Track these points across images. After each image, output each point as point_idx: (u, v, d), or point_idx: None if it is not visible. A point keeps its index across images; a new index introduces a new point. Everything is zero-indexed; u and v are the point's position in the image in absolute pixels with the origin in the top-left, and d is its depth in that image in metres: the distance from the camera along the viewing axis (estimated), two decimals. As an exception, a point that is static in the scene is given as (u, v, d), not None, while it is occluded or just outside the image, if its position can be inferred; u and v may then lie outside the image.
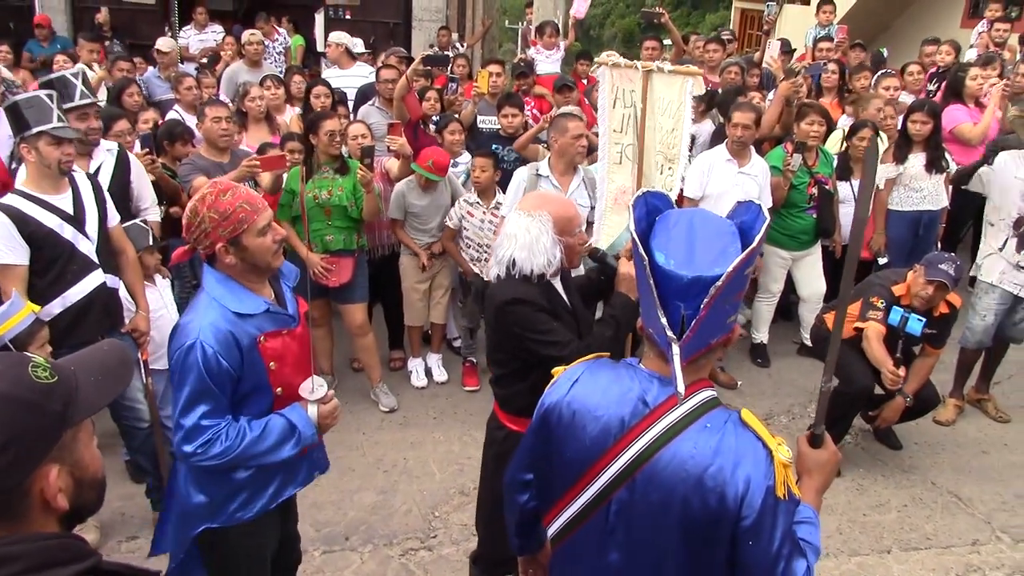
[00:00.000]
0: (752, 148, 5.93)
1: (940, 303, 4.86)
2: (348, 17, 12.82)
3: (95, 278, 3.94)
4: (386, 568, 4.15)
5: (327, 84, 6.86)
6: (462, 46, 11.98)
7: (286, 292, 2.90)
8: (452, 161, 6.00)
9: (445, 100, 7.18)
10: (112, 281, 4.07)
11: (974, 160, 6.75)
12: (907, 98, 7.47)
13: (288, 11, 12.66)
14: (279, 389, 2.74)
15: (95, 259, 3.94)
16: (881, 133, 6.58)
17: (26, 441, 1.30)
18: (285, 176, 5.32)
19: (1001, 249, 5.50)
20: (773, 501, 1.78)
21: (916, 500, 4.91)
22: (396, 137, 5.69)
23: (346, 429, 5.30)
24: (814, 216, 6.23)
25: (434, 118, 6.75)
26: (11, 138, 4.43)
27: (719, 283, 1.75)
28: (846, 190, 6.43)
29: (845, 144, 6.63)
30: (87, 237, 3.91)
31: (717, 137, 6.53)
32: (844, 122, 7.25)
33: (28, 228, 3.70)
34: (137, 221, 4.60)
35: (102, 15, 10.82)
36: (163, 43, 8.58)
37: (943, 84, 7.92)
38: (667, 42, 10.31)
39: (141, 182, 4.97)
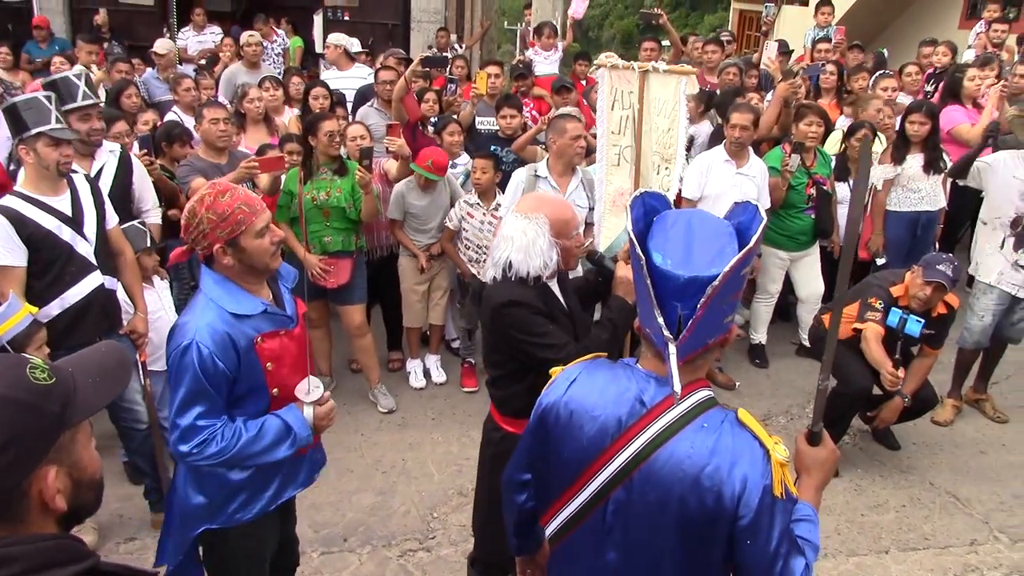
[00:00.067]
0: (750, 149, 5.94)
1: (938, 304, 4.87)
2: (347, 18, 12.81)
3: (93, 280, 3.94)
4: (384, 569, 4.15)
5: (325, 85, 6.87)
6: (461, 47, 11.99)
7: (284, 293, 2.91)
8: (450, 162, 6.00)
9: (444, 101, 7.18)
10: (110, 283, 4.07)
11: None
12: (905, 99, 7.48)
13: (286, 12, 12.67)
14: (276, 390, 2.75)
15: (93, 261, 3.94)
16: (879, 134, 6.59)
17: (24, 442, 1.30)
18: (283, 177, 5.33)
19: (1001, 248, 5.50)
20: (770, 500, 1.78)
21: (914, 500, 4.91)
22: (395, 138, 5.69)
23: (344, 430, 5.31)
24: (812, 217, 6.23)
25: (432, 119, 6.75)
26: (9, 139, 4.43)
27: (715, 283, 1.75)
28: (844, 191, 6.44)
29: (843, 145, 6.63)
30: (85, 239, 3.91)
31: (715, 138, 6.54)
32: (842, 123, 7.25)
33: (26, 230, 3.70)
34: (135, 223, 4.60)
35: (100, 16, 10.82)
36: (161, 45, 8.58)
37: (941, 85, 7.93)
38: (665, 43, 10.32)
39: (143, 184, 4.98)
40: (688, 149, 6.54)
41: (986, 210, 5.68)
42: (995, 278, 5.53)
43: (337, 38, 8.31)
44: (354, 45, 8.59)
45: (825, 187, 6.23)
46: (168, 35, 10.72)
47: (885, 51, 10.05)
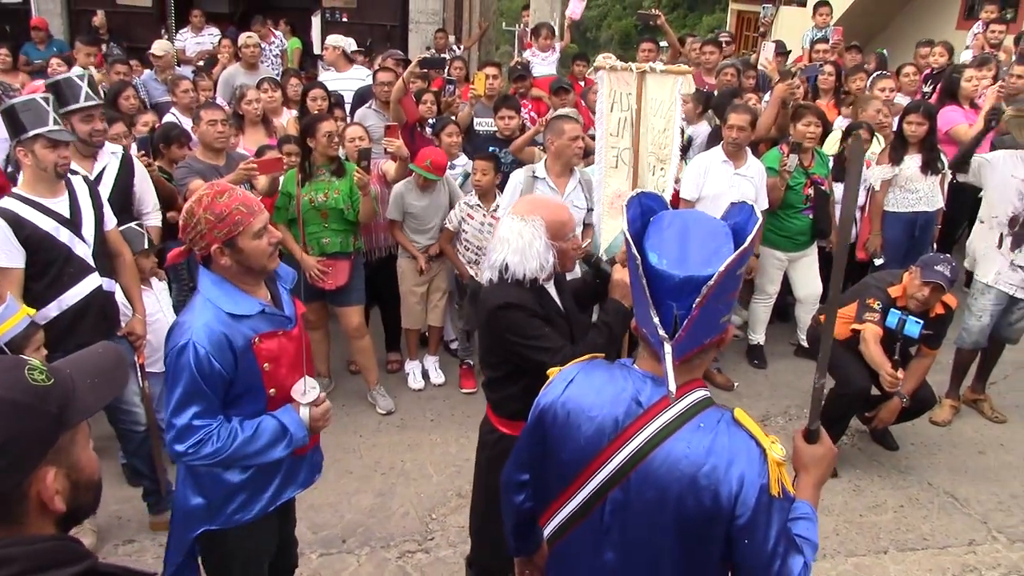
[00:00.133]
0: (748, 150, 5.94)
1: (936, 304, 4.87)
2: (345, 20, 12.82)
3: (91, 281, 3.94)
4: (383, 570, 4.15)
5: (324, 87, 6.87)
6: (459, 48, 11.99)
7: (283, 294, 2.91)
8: (449, 163, 6.00)
9: (442, 102, 7.18)
10: (108, 284, 4.07)
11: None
12: (902, 100, 7.48)
13: (284, 14, 12.66)
14: (273, 390, 2.75)
15: (91, 263, 3.94)
16: (877, 135, 6.60)
17: (22, 443, 1.30)
18: (281, 179, 5.33)
19: (999, 247, 5.50)
20: (767, 499, 1.79)
21: (913, 501, 4.92)
22: (393, 139, 5.69)
23: (343, 431, 5.31)
24: (810, 217, 6.24)
25: (430, 121, 6.76)
26: (7, 141, 4.43)
27: (711, 283, 1.76)
28: (842, 191, 6.43)
29: (841, 145, 6.64)
30: (83, 240, 3.91)
31: (713, 139, 6.54)
32: (840, 123, 7.26)
33: (24, 231, 3.70)
34: (132, 224, 4.60)
35: (98, 18, 10.81)
36: (159, 46, 8.58)
37: (938, 86, 7.94)
38: (664, 44, 10.33)
39: (144, 186, 4.99)
40: (687, 150, 6.56)
41: (985, 208, 5.69)
42: (993, 278, 5.54)
43: (335, 39, 8.31)
44: (349, 44, 8.58)
45: (823, 187, 6.24)
46: (166, 36, 10.71)
47: (885, 52, 10.06)
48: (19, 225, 3.69)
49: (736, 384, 6.23)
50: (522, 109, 7.05)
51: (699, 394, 1.92)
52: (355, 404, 5.76)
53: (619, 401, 1.93)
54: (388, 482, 4.88)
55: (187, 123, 6.29)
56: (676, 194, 5.69)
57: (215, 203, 2.59)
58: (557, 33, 10.30)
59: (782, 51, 9.36)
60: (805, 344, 6.45)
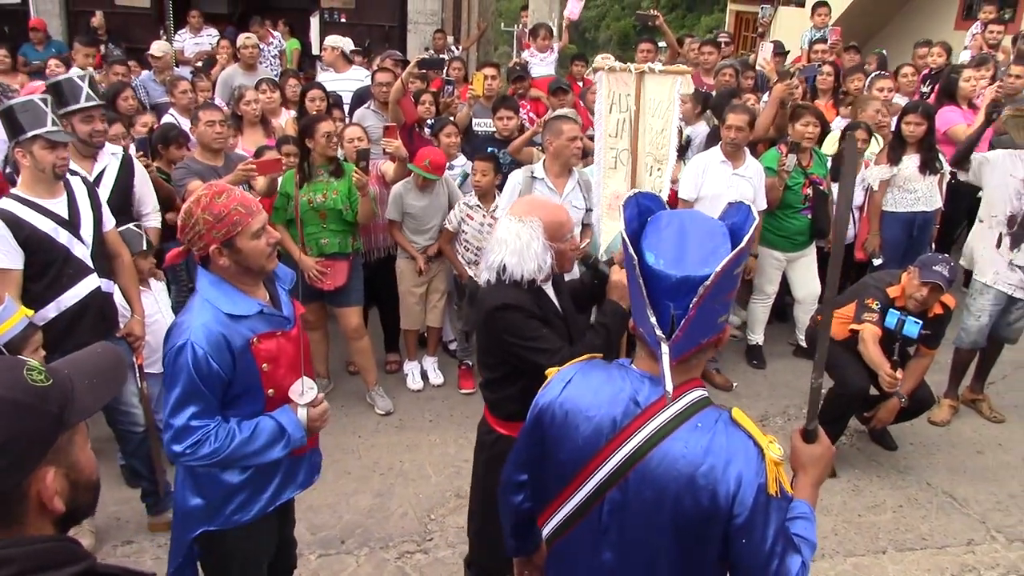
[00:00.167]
0: (746, 150, 5.95)
1: (934, 304, 4.88)
2: (343, 20, 12.83)
3: (90, 282, 3.94)
4: (382, 571, 4.15)
5: (322, 87, 6.86)
6: (457, 49, 11.99)
7: (281, 294, 2.91)
8: (447, 164, 6.00)
9: (441, 103, 7.18)
10: (107, 285, 4.07)
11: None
12: (900, 100, 7.49)
13: (283, 14, 12.67)
14: (271, 391, 2.75)
15: (90, 263, 3.94)
16: (876, 135, 6.61)
17: (22, 443, 1.31)
18: (280, 179, 5.33)
19: (997, 247, 5.51)
20: (765, 499, 1.79)
21: (911, 500, 4.92)
22: (392, 140, 5.69)
23: (342, 432, 5.31)
24: (809, 217, 6.24)
25: (429, 121, 6.76)
26: (5, 142, 4.43)
27: (708, 283, 1.76)
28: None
29: (840, 146, 6.64)
30: (82, 241, 3.91)
31: (712, 139, 6.55)
32: (839, 124, 7.27)
33: (23, 232, 3.70)
34: (130, 225, 4.60)
35: (97, 19, 10.81)
36: (157, 47, 8.58)
37: (936, 86, 7.94)
38: (662, 44, 10.34)
39: (144, 188, 4.98)
40: (685, 150, 6.57)
41: (984, 208, 5.69)
42: (991, 278, 5.54)
43: (334, 40, 8.31)
44: (347, 45, 8.58)
45: (822, 187, 6.24)
46: (164, 37, 10.70)
47: (884, 52, 10.07)
48: (18, 226, 3.69)
49: (735, 384, 6.24)
50: (521, 110, 7.05)
51: (697, 394, 1.92)
52: (354, 405, 5.76)
53: (617, 401, 1.93)
54: (387, 483, 4.88)
55: (185, 124, 6.29)
56: (673, 194, 5.69)
57: (213, 203, 2.59)
58: (555, 33, 10.30)
59: (780, 51, 9.37)
60: (804, 344, 6.45)
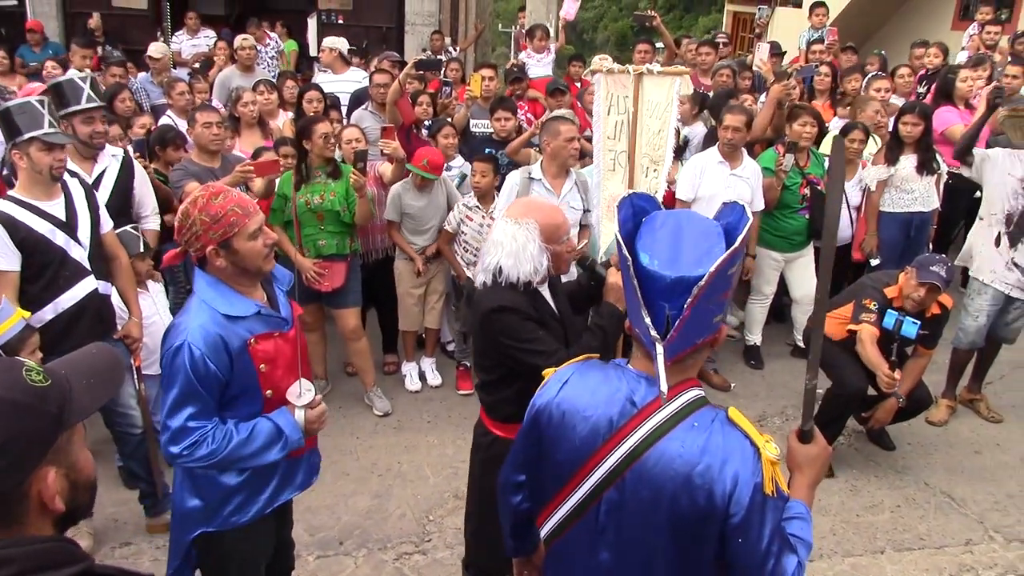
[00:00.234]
0: (744, 150, 5.95)
1: (932, 304, 4.88)
2: (341, 22, 12.81)
3: (87, 284, 3.93)
4: (380, 572, 4.15)
5: (319, 89, 6.86)
6: (455, 50, 12.00)
7: (279, 295, 2.91)
8: (445, 165, 6.00)
9: (439, 104, 7.18)
10: (104, 287, 4.06)
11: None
12: (897, 100, 7.50)
13: (280, 16, 12.67)
14: (269, 392, 2.75)
15: (87, 265, 3.93)
16: (873, 135, 6.61)
17: (23, 443, 1.31)
18: (277, 181, 5.32)
19: (997, 245, 5.51)
20: (761, 498, 1.79)
21: (909, 500, 4.92)
22: (390, 141, 5.69)
23: (340, 433, 5.31)
24: (806, 217, 6.25)
25: (426, 123, 6.76)
26: (2, 144, 4.43)
27: (702, 283, 1.76)
28: (838, 192, 6.43)
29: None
30: (79, 243, 3.90)
31: (709, 140, 6.56)
32: (836, 124, 7.27)
33: (19, 234, 3.69)
34: (128, 227, 4.60)
35: (94, 20, 10.80)
36: (155, 49, 8.57)
37: (933, 86, 7.95)
38: (659, 45, 10.35)
39: (143, 189, 4.99)
40: (683, 151, 6.57)
41: (984, 206, 5.68)
42: (988, 276, 5.54)
43: (332, 41, 8.30)
44: (343, 45, 8.56)
45: (819, 187, 6.24)
46: (161, 39, 10.70)
47: (884, 53, 10.09)
48: (14, 228, 3.68)
49: (733, 385, 6.24)
50: (518, 111, 7.05)
51: (693, 393, 1.92)
52: (352, 406, 5.76)
53: (614, 401, 1.93)
54: (385, 484, 4.88)
55: (183, 125, 6.28)
56: (670, 195, 5.69)
57: (210, 204, 2.59)
58: (552, 34, 10.30)
59: (777, 52, 9.38)
60: (801, 344, 6.45)
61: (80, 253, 3.90)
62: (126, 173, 4.82)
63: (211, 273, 2.67)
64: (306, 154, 5.33)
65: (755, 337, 6.66)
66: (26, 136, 3.69)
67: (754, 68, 8.43)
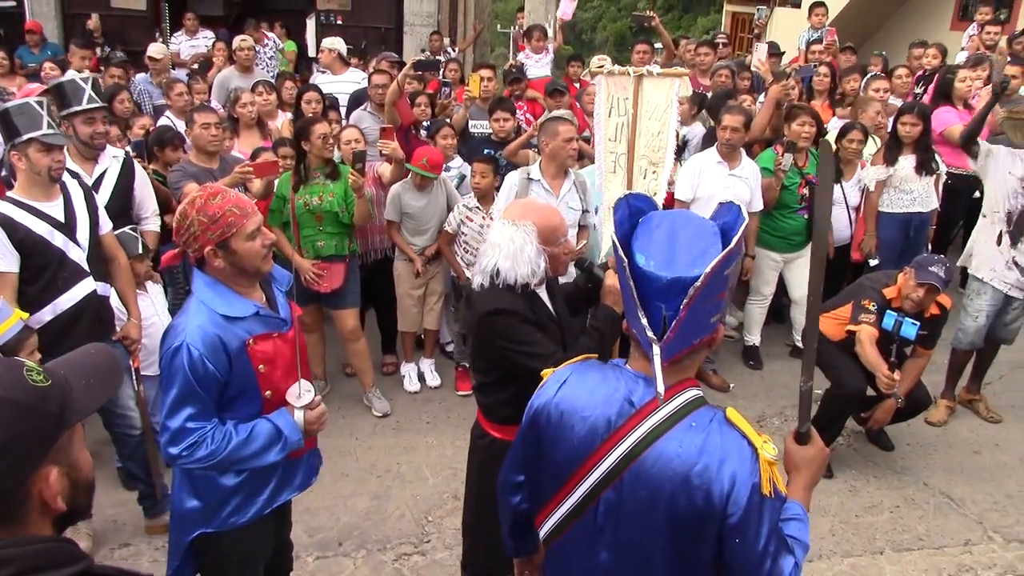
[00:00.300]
0: (742, 151, 5.96)
1: (931, 305, 4.88)
2: (339, 22, 12.81)
3: (86, 286, 3.93)
4: (379, 573, 4.15)
5: (318, 89, 6.86)
6: (454, 51, 12.00)
7: (278, 296, 2.90)
8: (444, 166, 6.00)
9: (437, 104, 7.18)
10: (103, 289, 4.06)
11: (967, 163, 6.79)
12: (895, 101, 7.50)
13: (279, 17, 12.66)
14: (268, 392, 2.75)
15: (86, 267, 3.93)
16: (872, 136, 6.62)
17: (25, 443, 1.32)
18: (276, 182, 5.32)
19: (998, 243, 5.51)
20: (759, 498, 1.79)
21: (908, 501, 4.92)
22: (388, 141, 5.69)
23: (339, 434, 5.31)
24: (805, 217, 6.25)
25: (424, 123, 6.75)
26: (1, 145, 4.43)
27: (698, 283, 1.76)
28: (837, 192, 6.44)
29: (836, 146, 6.64)
30: (78, 245, 3.90)
31: (708, 140, 6.56)
32: (835, 124, 7.27)
33: (18, 235, 3.69)
34: (126, 228, 4.59)
35: (93, 21, 10.80)
36: (156, 49, 8.57)
37: (930, 87, 7.95)
38: (658, 46, 10.35)
39: (144, 191, 4.99)
40: (682, 151, 6.57)
41: (987, 203, 5.67)
42: (988, 274, 5.54)
43: (332, 42, 8.30)
44: (340, 45, 8.56)
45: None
46: (160, 40, 10.69)
47: (884, 54, 10.09)
48: (13, 229, 3.68)
49: (732, 385, 6.24)
50: (517, 111, 7.05)
51: (691, 393, 1.92)
52: (351, 407, 5.76)
53: (612, 401, 1.94)
54: (384, 485, 4.88)
55: (181, 126, 6.28)
56: (670, 196, 5.69)
57: (208, 205, 2.59)
58: (550, 34, 10.30)
59: (776, 52, 9.38)
60: (800, 345, 6.45)
61: (79, 254, 3.90)
62: (127, 174, 4.82)
63: (209, 274, 2.67)
64: (305, 155, 5.33)
65: (754, 338, 6.66)
66: (25, 137, 3.69)
67: (752, 68, 8.43)
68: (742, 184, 5.81)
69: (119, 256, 4.26)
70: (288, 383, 2.78)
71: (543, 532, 2.13)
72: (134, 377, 4.31)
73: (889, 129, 6.58)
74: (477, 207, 5.72)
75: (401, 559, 4.25)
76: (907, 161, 6.34)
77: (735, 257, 1.85)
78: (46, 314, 3.82)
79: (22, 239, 3.70)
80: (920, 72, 8.67)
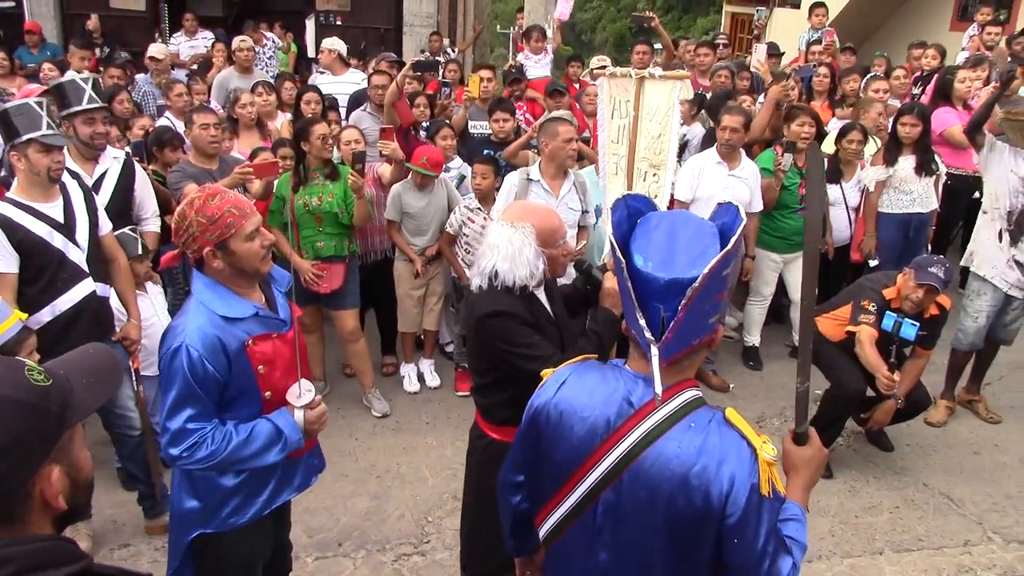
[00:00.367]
0: (742, 151, 5.96)
1: (930, 306, 4.88)
2: (339, 23, 12.80)
3: (85, 286, 3.93)
4: (379, 574, 4.15)
5: (318, 90, 6.86)
6: (453, 51, 12.00)
7: (278, 297, 2.90)
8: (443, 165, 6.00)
9: (437, 105, 7.18)
10: (102, 289, 4.06)
11: (967, 164, 6.81)
12: (894, 102, 7.50)
13: (279, 17, 12.66)
14: (268, 393, 2.75)
15: (85, 267, 3.93)
16: (872, 136, 6.62)
17: (27, 443, 1.32)
18: (276, 182, 5.32)
19: (999, 241, 5.50)
20: (757, 499, 1.79)
21: (908, 501, 4.92)
22: (388, 142, 5.69)
23: (339, 435, 5.31)
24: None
25: (424, 124, 6.75)
26: (0, 146, 4.43)
27: (695, 285, 1.76)
28: (836, 192, 6.45)
29: (836, 146, 6.65)
30: (77, 245, 3.90)
31: (708, 140, 6.56)
32: (835, 125, 7.27)
33: (17, 236, 3.69)
34: (126, 229, 4.59)
35: (92, 22, 10.80)
36: (156, 49, 8.57)
37: (929, 87, 7.96)
38: (658, 46, 10.36)
39: (144, 192, 4.98)
40: (682, 152, 6.56)
41: (988, 199, 5.66)
42: (989, 272, 5.54)
43: (331, 43, 8.30)
44: (339, 46, 8.56)
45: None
46: (159, 40, 10.69)
47: (886, 55, 10.09)
48: (12, 229, 3.68)
49: (731, 386, 6.24)
50: (517, 111, 7.05)
51: (690, 394, 1.92)
52: (350, 407, 5.76)
53: (611, 402, 1.94)
54: (384, 485, 4.88)
55: (181, 126, 6.28)
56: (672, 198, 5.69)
57: (207, 206, 2.59)
58: (549, 35, 10.30)
59: (775, 53, 9.39)
60: (800, 346, 6.45)
61: (78, 255, 3.90)
62: (127, 175, 4.82)
63: (209, 275, 2.67)
64: (304, 156, 5.33)
65: (754, 338, 6.66)
66: (24, 138, 3.69)
67: (751, 69, 8.43)
68: (742, 185, 5.82)
69: (119, 257, 4.26)
70: (288, 384, 2.78)
71: (543, 532, 2.13)
72: (134, 378, 4.31)
73: (889, 130, 6.58)
74: (479, 208, 5.71)
75: (401, 559, 4.24)
76: (907, 162, 6.34)
77: (733, 258, 1.85)
78: (45, 315, 3.82)
79: (21, 240, 3.70)
80: (918, 73, 8.67)
